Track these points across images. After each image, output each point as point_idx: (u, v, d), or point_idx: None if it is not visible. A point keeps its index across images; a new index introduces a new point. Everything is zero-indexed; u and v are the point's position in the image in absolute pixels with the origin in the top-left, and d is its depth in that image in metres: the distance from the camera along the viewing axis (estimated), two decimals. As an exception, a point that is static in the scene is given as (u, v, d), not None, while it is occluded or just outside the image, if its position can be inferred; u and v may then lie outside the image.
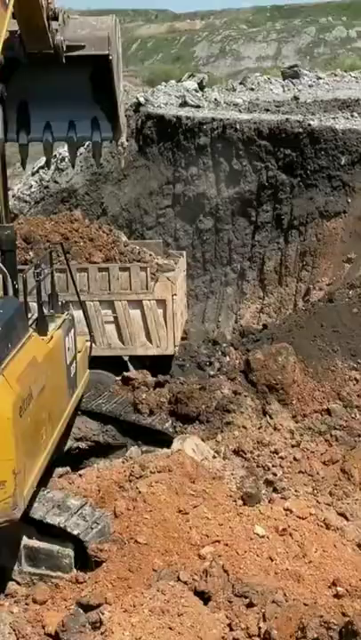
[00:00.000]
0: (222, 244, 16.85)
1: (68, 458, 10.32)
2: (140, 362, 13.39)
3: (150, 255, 13.70)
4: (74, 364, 9.85)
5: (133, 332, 13.48)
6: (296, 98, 18.68)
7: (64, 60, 9.63)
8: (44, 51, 9.64)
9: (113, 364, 13.09)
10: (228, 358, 13.66)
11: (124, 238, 14.33)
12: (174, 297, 13.10)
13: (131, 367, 13.35)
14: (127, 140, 11.14)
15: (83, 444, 11.18)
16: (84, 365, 10.67)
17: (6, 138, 10.14)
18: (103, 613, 6.92)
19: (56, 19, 9.46)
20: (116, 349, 13.42)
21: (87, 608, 7.16)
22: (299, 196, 15.92)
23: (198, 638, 6.58)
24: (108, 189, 18.20)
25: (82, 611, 7.16)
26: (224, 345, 14.64)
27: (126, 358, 13.58)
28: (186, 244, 17.14)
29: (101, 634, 6.70)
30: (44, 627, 7.29)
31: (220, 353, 14.04)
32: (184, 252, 14.69)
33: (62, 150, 19.00)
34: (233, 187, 16.57)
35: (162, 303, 13.14)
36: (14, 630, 7.25)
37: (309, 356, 11.49)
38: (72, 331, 9.81)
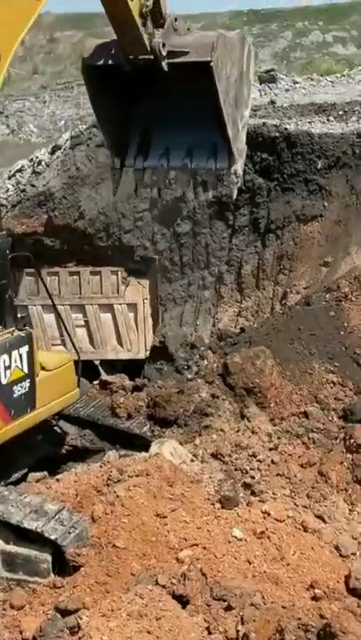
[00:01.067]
0: (200, 248, 16.84)
1: (46, 462, 10.29)
2: (112, 366, 13.35)
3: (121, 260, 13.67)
4: (25, 384, 9.51)
5: (104, 335, 13.44)
6: (273, 102, 18.71)
7: (165, 68, 9.56)
8: (143, 56, 9.57)
9: (84, 368, 13.05)
10: (206, 362, 13.66)
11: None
12: (145, 301, 13.08)
13: (102, 371, 13.32)
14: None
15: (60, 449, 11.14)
16: (61, 382, 10.39)
17: (125, 164, 10.50)
18: (81, 618, 6.90)
19: (159, 24, 9.45)
20: (87, 353, 13.36)
21: (65, 613, 7.13)
22: (276, 199, 15.93)
23: (177, 642, 6.58)
24: (85, 193, 18.12)
25: (60, 616, 7.14)
26: (202, 348, 14.65)
27: (97, 362, 13.53)
28: (163, 248, 17.11)
29: (79, 639, 6.68)
30: (21, 632, 7.26)
31: (198, 356, 14.06)
32: (156, 257, 14.74)
33: (39, 154, 18.95)
34: (210, 190, 16.58)
35: (133, 307, 13.12)
36: (-9, 636, 7.22)
37: (287, 359, 11.52)
38: (23, 348, 9.46)
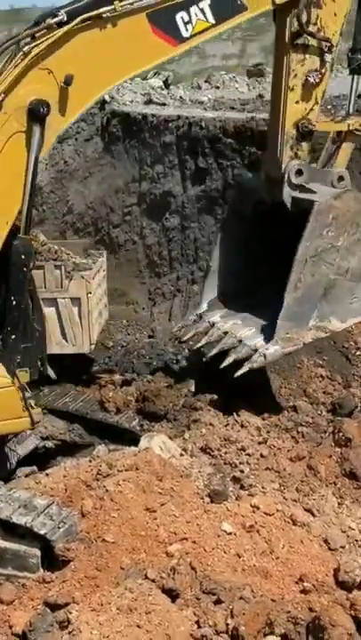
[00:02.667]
0: (188, 242, 16.84)
1: (35, 457, 10.27)
2: (57, 361, 13.17)
3: (68, 254, 13.53)
4: None
5: (49, 330, 13.31)
6: (261, 96, 18.70)
7: (286, 200, 10.39)
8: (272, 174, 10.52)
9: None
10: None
11: (42, 237, 14.20)
12: (89, 295, 12.96)
13: (48, 367, 13.18)
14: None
15: (49, 443, 11.13)
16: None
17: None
18: (71, 612, 6.90)
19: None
20: None
21: (55, 607, 7.13)
22: (264, 194, 15.99)
23: (166, 636, 6.59)
24: (73, 187, 18.09)
25: (49, 610, 7.13)
26: (191, 343, 14.64)
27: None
28: (152, 242, 17.11)
29: (69, 633, 6.68)
30: (11, 627, 7.25)
31: (186, 351, 14.05)
32: (104, 252, 14.64)
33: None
34: (199, 185, 16.56)
35: (77, 301, 12.99)
36: (-19, 631, 7.21)
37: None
38: None
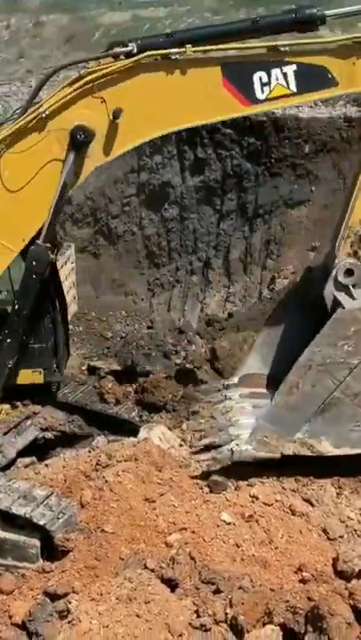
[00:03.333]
0: (187, 233, 16.82)
1: (34, 448, 10.29)
2: None
3: None
4: None
5: None
6: (260, 86, 18.70)
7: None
8: None
9: None
10: (194, 347, 13.67)
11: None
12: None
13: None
14: None
15: (49, 434, 11.12)
16: None
17: None
18: (70, 602, 6.93)
19: None
20: None
21: (54, 597, 7.16)
22: (263, 184, 15.92)
23: (166, 625, 6.61)
24: (72, 178, 18.08)
25: (49, 600, 7.16)
26: (190, 333, 14.63)
27: None
28: (151, 233, 17.08)
29: (69, 622, 6.71)
30: (10, 617, 7.28)
31: (186, 341, 14.04)
32: (72, 244, 14.55)
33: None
34: (198, 175, 16.53)
35: None
36: (-19, 621, 7.24)
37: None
38: None
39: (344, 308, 8.68)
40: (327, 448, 8.75)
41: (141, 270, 17.22)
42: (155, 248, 17.09)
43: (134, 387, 12.14)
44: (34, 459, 9.83)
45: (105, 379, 12.49)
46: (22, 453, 9.86)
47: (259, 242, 16.13)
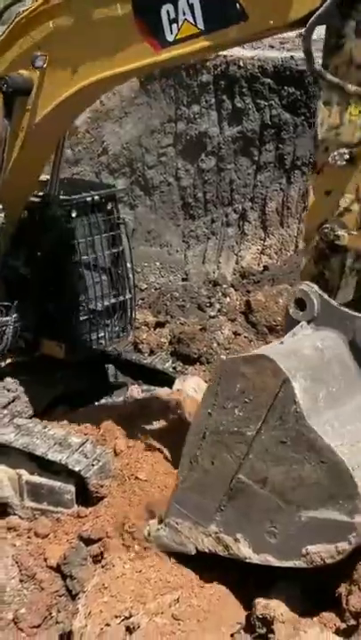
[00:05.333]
0: (224, 184, 16.70)
1: (69, 396, 10.41)
2: None
3: None
4: None
5: None
6: (301, 34, 18.33)
7: None
8: None
9: None
10: (228, 299, 13.67)
11: None
12: None
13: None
14: None
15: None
16: None
17: None
18: (104, 547, 7.05)
19: None
20: None
21: (88, 542, 7.29)
22: (302, 135, 15.72)
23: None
24: (108, 127, 17.94)
25: (83, 544, 7.29)
26: (224, 286, 14.62)
27: None
28: (187, 184, 16.99)
29: (102, 567, 6.83)
30: (45, 559, 7.44)
31: (220, 294, 14.05)
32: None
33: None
34: (235, 125, 16.34)
35: None
36: (17, 562, 7.42)
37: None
38: None
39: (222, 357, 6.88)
40: (245, 552, 6.19)
41: (177, 222, 17.17)
42: (190, 199, 17.00)
43: (169, 338, 12.19)
44: (68, 407, 9.95)
45: (139, 329, 12.56)
46: (58, 401, 9.99)
47: (296, 194, 15.97)
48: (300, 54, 15.89)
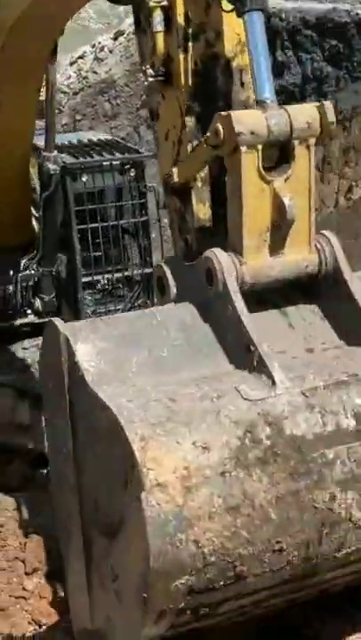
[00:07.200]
0: (263, 139, 16.63)
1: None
2: None
3: None
4: None
5: None
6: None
7: None
8: None
9: None
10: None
11: None
12: None
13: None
14: None
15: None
16: None
17: None
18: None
19: None
20: None
21: None
22: (344, 89, 15.52)
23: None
24: (147, 81, 17.86)
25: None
26: (264, 242, 14.59)
27: None
28: (226, 139, 16.91)
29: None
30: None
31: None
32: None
33: (102, 39, 18.65)
34: (277, 78, 16.14)
35: None
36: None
37: (351, 255, 11.40)
38: None
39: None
40: None
41: (216, 177, 17.13)
42: (230, 154, 16.93)
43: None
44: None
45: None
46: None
47: (337, 149, 15.82)
48: (342, 6, 15.61)
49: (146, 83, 5.14)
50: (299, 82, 15.95)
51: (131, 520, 3.74)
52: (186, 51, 4.89)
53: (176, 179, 5.00)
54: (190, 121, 4.91)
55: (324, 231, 4.99)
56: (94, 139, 10.23)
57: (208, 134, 4.46)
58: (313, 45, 15.74)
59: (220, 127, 4.33)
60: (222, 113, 4.41)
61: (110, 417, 3.78)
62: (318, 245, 4.75)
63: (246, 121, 4.34)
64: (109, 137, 11.03)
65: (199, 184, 4.97)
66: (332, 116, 4.64)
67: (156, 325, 4.33)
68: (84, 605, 4.32)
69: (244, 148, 4.28)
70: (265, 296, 4.56)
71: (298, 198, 4.50)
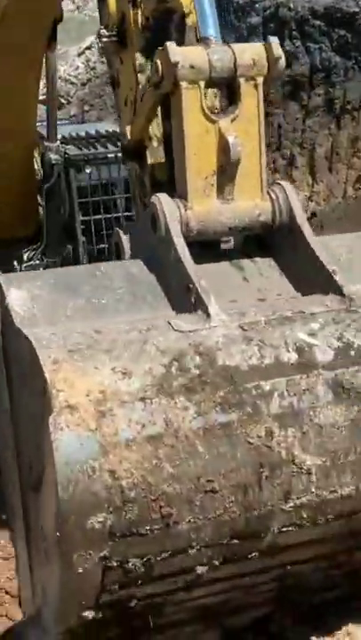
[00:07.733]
0: (271, 129, 16.56)
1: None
2: None
3: None
4: None
5: None
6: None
7: None
8: None
9: None
10: (275, 246, 13.68)
11: None
12: None
13: None
14: None
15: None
16: None
17: None
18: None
19: None
20: None
21: None
22: (353, 79, 15.49)
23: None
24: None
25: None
26: (272, 232, 14.61)
27: None
28: (234, 129, 16.92)
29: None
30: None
31: (267, 240, 14.07)
32: None
33: (110, 30, 18.56)
34: (285, 69, 16.17)
35: None
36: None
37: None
38: None
39: None
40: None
41: (224, 167, 17.15)
42: (238, 145, 16.94)
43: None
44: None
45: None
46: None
47: (346, 139, 15.82)
48: (352, -5, 15.59)
49: (100, 45, 4.93)
50: (307, 72, 15.93)
51: (45, 455, 3.38)
52: (135, 6, 4.64)
53: (129, 136, 4.76)
54: (143, 78, 4.63)
55: (280, 180, 4.76)
56: (102, 130, 10.24)
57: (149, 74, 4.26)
58: (321, 35, 15.71)
59: (159, 62, 4.10)
60: (161, 47, 4.12)
61: (30, 349, 3.49)
62: (273, 194, 4.33)
63: (186, 54, 4.10)
64: (117, 129, 11.05)
65: (155, 144, 4.73)
66: (278, 52, 4.35)
67: (100, 276, 4.12)
68: (28, 587, 3.93)
69: (184, 84, 4.05)
70: (219, 249, 4.38)
71: (246, 140, 4.23)
